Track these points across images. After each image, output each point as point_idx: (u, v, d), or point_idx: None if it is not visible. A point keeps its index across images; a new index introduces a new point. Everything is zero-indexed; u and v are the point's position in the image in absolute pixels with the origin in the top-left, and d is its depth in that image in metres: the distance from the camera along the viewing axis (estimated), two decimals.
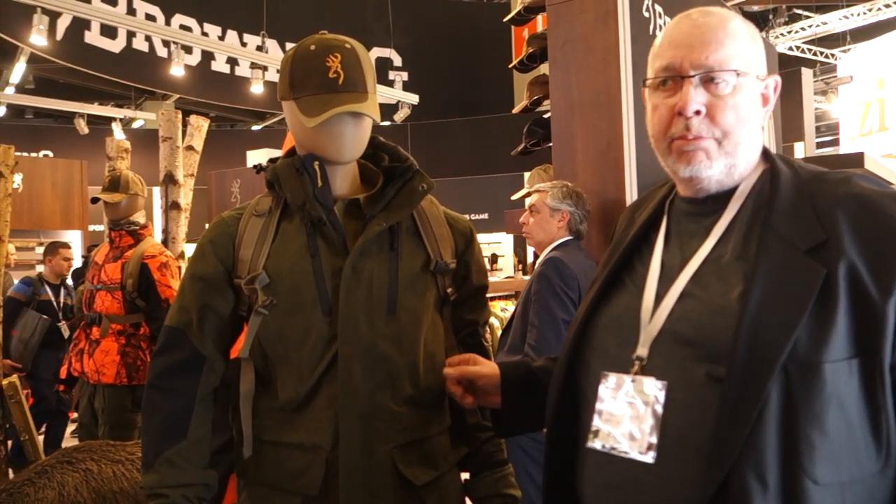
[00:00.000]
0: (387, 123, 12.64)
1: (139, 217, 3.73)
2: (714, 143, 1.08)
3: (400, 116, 11.98)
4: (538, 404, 1.31)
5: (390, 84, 12.74)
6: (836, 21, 12.43)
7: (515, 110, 3.96)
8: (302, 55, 1.40)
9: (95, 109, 13.36)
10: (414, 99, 11.83)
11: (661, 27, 3.29)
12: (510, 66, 4.03)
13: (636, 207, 1.31)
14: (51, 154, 12.93)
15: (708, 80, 1.07)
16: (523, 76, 4.12)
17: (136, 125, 14.96)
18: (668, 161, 1.13)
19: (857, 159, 4.01)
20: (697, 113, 1.07)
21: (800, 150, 8.15)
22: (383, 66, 13.34)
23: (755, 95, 1.11)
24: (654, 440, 1.02)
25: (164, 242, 5.46)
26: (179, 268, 3.70)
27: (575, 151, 3.10)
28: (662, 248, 1.16)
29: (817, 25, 12.68)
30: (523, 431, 1.48)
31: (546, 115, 3.52)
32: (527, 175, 3.87)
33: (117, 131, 12.73)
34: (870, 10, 11.94)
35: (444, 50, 13.96)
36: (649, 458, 1.02)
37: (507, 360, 2.68)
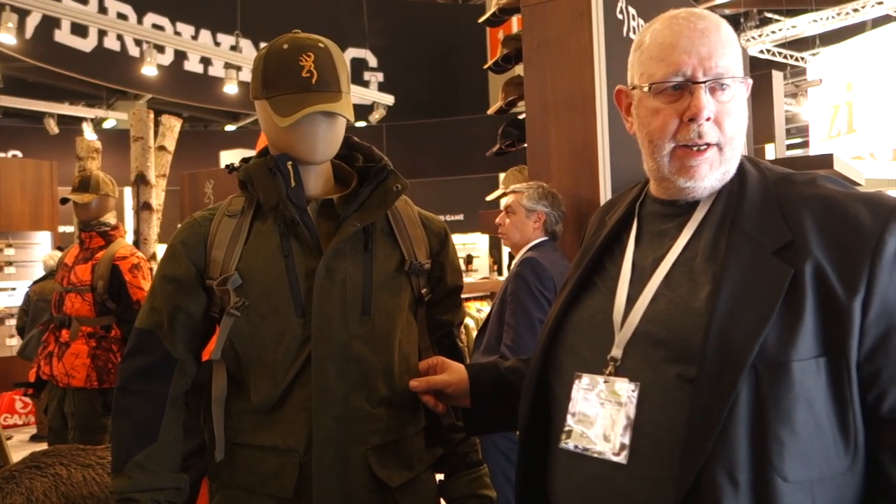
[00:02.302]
0: (362, 124, 12.60)
1: (110, 218, 3.69)
2: (717, 153, 1.08)
3: (375, 117, 11.94)
4: (508, 406, 1.32)
5: (365, 85, 12.69)
6: (805, 25, 12.60)
7: (490, 111, 3.97)
8: (275, 54, 1.39)
9: (66, 109, 13.17)
10: (389, 100, 11.81)
11: (634, 29, 3.31)
12: (485, 67, 4.04)
13: (607, 210, 1.32)
14: (20, 154, 12.73)
15: (714, 87, 1.07)
16: (498, 77, 4.13)
17: (107, 125, 14.76)
18: (664, 169, 1.12)
19: (826, 160, 4.07)
20: (707, 119, 1.07)
21: (770, 152, 8.27)
22: (358, 66, 13.29)
23: (745, 99, 1.12)
24: (626, 441, 1.03)
25: (136, 244, 5.40)
26: (151, 269, 3.65)
27: (549, 152, 3.11)
28: (633, 249, 1.17)
29: (787, 29, 12.84)
30: (494, 431, 1.49)
31: (521, 117, 3.53)
32: (502, 176, 3.88)
33: (88, 131, 12.56)
34: (838, 14, 12.12)
35: (419, 51, 13.94)
36: (622, 458, 1.02)
37: (481, 360, 2.68)
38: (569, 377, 1.13)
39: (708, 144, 1.08)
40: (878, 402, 0.98)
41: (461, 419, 1.55)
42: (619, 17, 3.23)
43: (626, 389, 1.04)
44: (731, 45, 1.09)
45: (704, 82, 1.06)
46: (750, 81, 1.14)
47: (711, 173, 1.09)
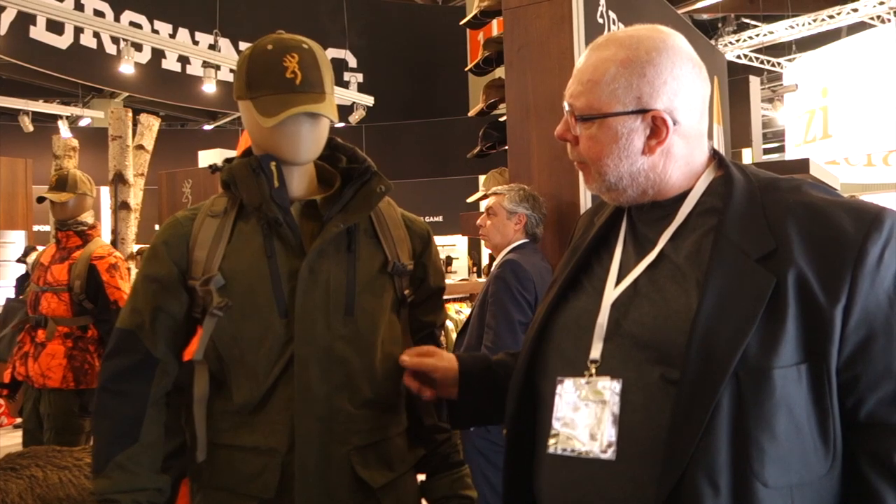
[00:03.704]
0: (341, 125, 12.55)
1: (87, 217, 3.65)
2: (588, 169, 1.18)
3: (355, 118, 11.90)
4: (495, 398, 1.32)
5: (345, 85, 12.65)
6: (782, 31, 12.76)
7: (471, 113, 3.98)
8: (259, 54, 1.39)
9: (40, 107, 13.01)
10: (369, 101, 11.76)
11: None
12: (466, 69, 4.05)
13: (595, 210, 1.33)
14: None
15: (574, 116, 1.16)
16: (479, 79, 4.15)
17: (82, 123, 14.60)
18: None
19: (802, 165, 4.13)
20: (570, 139, 1.17)
21: (747, 156, 8.36)
22: (338, 67, 13.24)
23: (623, 130, 1.12)
24: (613, 438, 1.04)
25: (113, 243, 5.35)
26: (129, 269, 3.62)
27: (530, 155, 3.13)
28: (621, 251, 1.18)
29: (764, 35, 13.00)
30: (480, 424, 1.50)
31: (502, 119, 3.54)
32: (482, 178, 3.90)
33: (63, 129, 12.41)
34: (814, 21, 12.29)
35: (399, 52, 13.91)
36: (610, 454, 1.03)
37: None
38: (555, 377, 1.14)
39: (579, 161, 1.19)
40: (857, 408, 1.00)
41: (445, 415, 1.56)
42: (600, 21, 3.25)
43: (609, 387, 1.06)
44: (603, 83, 1.11)
45: (567, 108, 1.17)
46: (664, 116, 1.11)
47: (594, 185, 1.18)
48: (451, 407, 1.46)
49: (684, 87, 1.11)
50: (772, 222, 1.03)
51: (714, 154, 1.19)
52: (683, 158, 1.14)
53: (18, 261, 7.46)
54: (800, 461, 0.97)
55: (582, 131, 1.15)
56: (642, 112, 1.10)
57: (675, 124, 1.11)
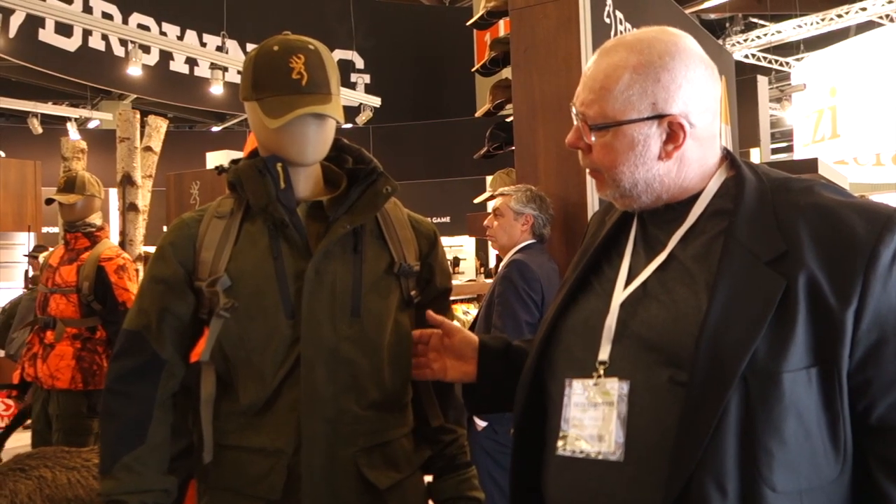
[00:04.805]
0: (349, 126, 12.55)
1: (95, 219, 3.66)
2: (600, 176, 1.17)
3: (362, 119, 11.90)
4: (511, 382, 1.30)
5: (352, 86, 12.65)
6: (790, 30, 12.71)
7: (478, 114, 3.98)
8: (265, 56, 1.39)
9: (49, 109, 13.06)
10: (376, 101, 11.75)
11: (621, 33, 3.33)
12: (473, 69, 4.05)
13: (606, 211, 1.32)
14: (3, 154, 12.61)
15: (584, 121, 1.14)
16: (486, 80, 4.15)
17: (91, 125, 14.65)
18: None
19: (811, 165, 4.12)
20: (582, 148, 1.16)
21: (755, 156, 8.33)
22: (345, 68, 13.24)
23: (640, 137, 1.10)
24: (621, 439, 1.03)
25: (122, 244, 5.37)
26: (137, 270, 3.63)
27: (537, 155, 3.12)
28: (631, 252, 1.18)
29: (772, 34, 12.95)
30: (492, 409, 1.47)
31: (508, 119, 3.54)
32: (489, 179, 3.89)
33: (72, 131, 12.46)
34: (822, 20, 12.23)
35: (406, 53, 13.90)
36: (618, 456, 1.03)
37: None
38: (563, 378, 1.13)
39: (587, 167, 1.19)
40: (868, 412, 0.99)
41: (451, 421, 1.55)
42: (607, 21, 3.25)
43: (617, 388, 1.05)
44: (616, 90, 1.09)
45: (575, 115, 1.16)
46: (681, 121, 1.09)
47: (608, 192, 1.17)
48: (467, 389, 1.44)
49: (698, 90, 1.10)
50: (782, 224, 1.02)
51: (726, 154, 1.18)
52: (697, 161, 1.13)
53: (26, 255, 7.47)
54: (809, 466, 0.96)
55: (595, 139, 1.13)
56: (658, 118, 1.09)
57: (690, 128, 1.10)
